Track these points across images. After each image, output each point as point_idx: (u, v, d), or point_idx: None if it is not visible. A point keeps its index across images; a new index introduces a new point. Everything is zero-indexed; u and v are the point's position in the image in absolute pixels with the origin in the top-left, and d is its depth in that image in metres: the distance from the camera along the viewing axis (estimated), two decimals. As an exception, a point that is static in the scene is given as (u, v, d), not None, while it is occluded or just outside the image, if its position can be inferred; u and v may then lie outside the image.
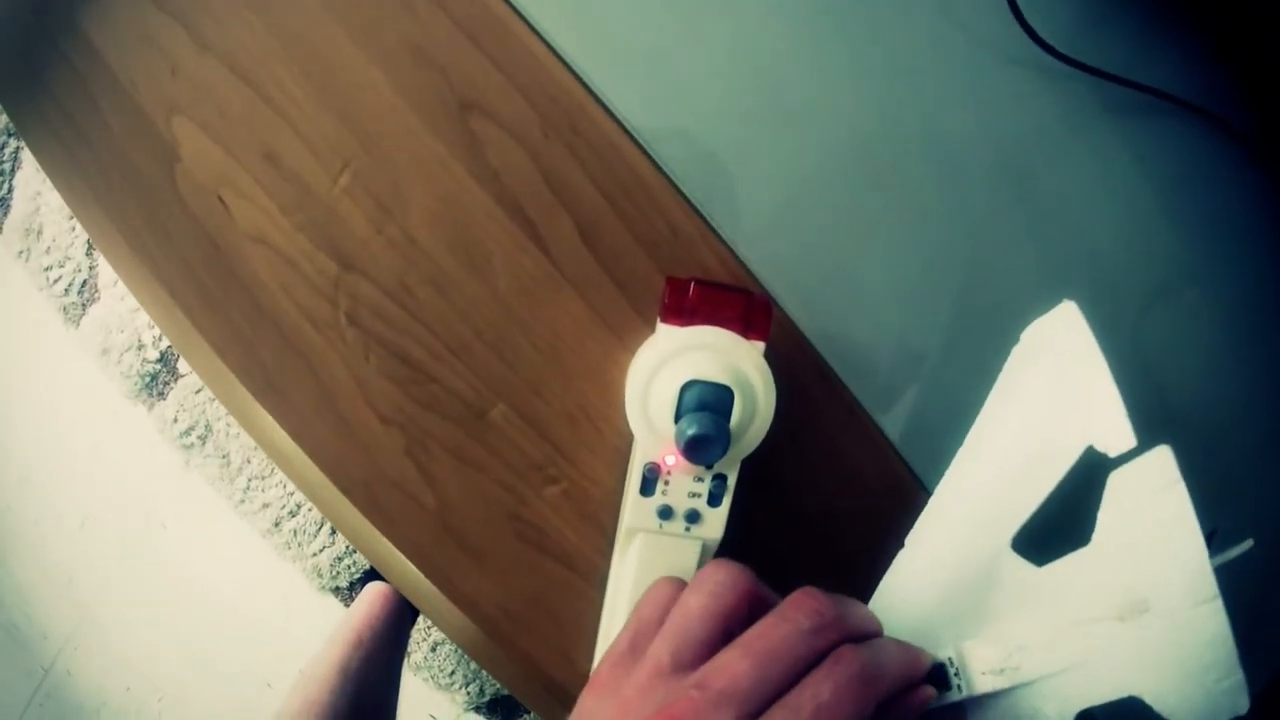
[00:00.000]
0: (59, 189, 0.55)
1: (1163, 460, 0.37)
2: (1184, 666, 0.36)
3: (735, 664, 0.33)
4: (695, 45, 0.54)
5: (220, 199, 0.53)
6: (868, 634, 0.36)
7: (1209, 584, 0.35)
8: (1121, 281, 0.60)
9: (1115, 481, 0.39)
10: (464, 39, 0.53)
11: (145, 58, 0.53)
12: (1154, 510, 0.37)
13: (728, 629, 0.35)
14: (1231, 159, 0.61)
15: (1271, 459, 0.64)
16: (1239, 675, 0.35)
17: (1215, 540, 0.42)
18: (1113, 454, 0.38)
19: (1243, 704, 0.35)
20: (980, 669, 0.40)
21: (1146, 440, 0.38)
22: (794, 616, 0.34)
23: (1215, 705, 0.36)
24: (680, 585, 0.39)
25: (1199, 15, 0.59)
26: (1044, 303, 0.57)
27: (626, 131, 0.53)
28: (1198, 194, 0.61)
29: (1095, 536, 0.39)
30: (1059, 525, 0.40)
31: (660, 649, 0.35)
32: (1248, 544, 0.39)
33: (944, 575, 0.43)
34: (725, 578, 0.36)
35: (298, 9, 0.53)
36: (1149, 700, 0.37)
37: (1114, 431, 0.38)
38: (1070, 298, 0.58)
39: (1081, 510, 0.39)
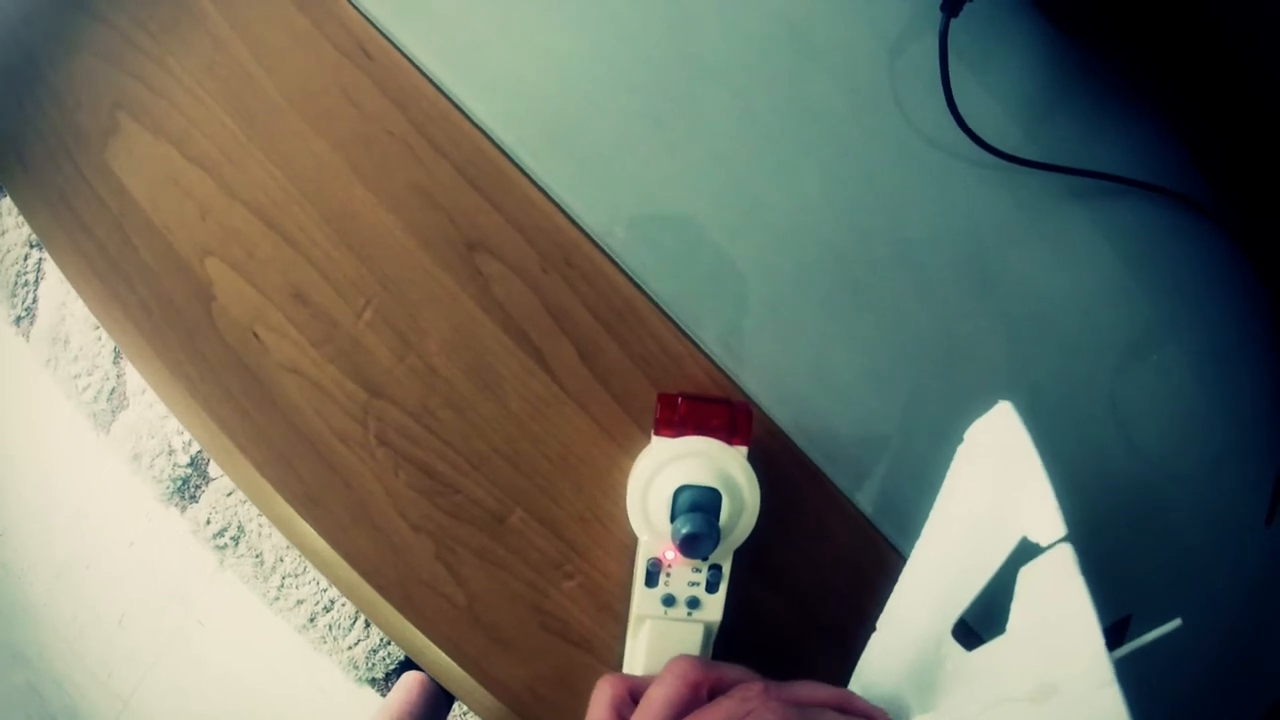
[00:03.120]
0: (101, 321, 0.59)
1: (1064, 556, 0.42)
2: None
3: None
4: (671, 177, 0.60)
5: (255, 334, 0.58)
6: (811, 703, 0.44)
7: (1107, 670, 0.39)
8: (1096, 347, 0.64)
9: (1024, 575, 0.43)
10: (464, 183, 0.59)
11: (176, 202, 0.59)
12: (1057, 602, 0.41)
13: (686, 710, 0.44)
14: (1188, 225, 0.65)
15: (1246, 499, 0.68)
16: None
17: (1129, 625, 0.46)
18: (1044, 544, 0.42)
19: None
20: None
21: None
22: (735, 694, 0.43)
23: None
24: (615, 681, 0.48)
25: (1140, 96, 0.63)
26: (1015, 381, 0.62)
27: (615, 263, 0.59)
28: (1161, 261, 0.65)
29: (1009, 625, 0.43)
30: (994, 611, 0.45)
31: None
32: (1175, 623, 0.43)
33: (907, 655, 0.48)
34: (679, 669, 0.45)
35: (314, 158, 0.58)
36: None
37: (1046, 523, 0.43)
38: (1041, 370, 0.61)
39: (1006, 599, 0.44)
